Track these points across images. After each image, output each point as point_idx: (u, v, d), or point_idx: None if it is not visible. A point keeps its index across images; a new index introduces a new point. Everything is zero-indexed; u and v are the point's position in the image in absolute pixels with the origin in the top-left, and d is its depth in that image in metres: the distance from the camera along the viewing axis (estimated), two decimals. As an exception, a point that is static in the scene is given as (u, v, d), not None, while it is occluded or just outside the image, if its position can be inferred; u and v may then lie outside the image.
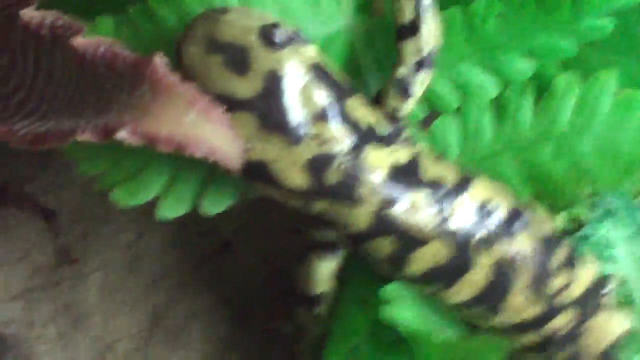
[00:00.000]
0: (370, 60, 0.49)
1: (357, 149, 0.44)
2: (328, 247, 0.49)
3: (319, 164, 0.43)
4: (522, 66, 0.49)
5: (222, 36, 0.42)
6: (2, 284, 0.56)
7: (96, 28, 0.47)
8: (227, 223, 0.57)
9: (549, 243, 0.48)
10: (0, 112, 0.45)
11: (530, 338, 0.49)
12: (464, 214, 0.46)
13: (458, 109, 0.50)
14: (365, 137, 0.45)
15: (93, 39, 0.42)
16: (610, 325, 0.50)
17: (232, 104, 0.42)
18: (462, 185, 0.46)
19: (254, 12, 0.43)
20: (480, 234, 0.46)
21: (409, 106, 0.47)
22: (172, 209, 0.48)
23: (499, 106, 0.50)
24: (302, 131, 0.43)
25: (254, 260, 0.57)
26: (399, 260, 0.46)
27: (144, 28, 0.47)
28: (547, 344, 0.49)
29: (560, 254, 0.48)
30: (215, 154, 0.41)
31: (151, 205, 0.47)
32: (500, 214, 0.47)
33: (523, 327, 0.48)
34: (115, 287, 0.57)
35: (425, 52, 0.46)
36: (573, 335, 0.49)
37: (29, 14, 0.44)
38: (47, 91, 0.45)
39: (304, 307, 0.52)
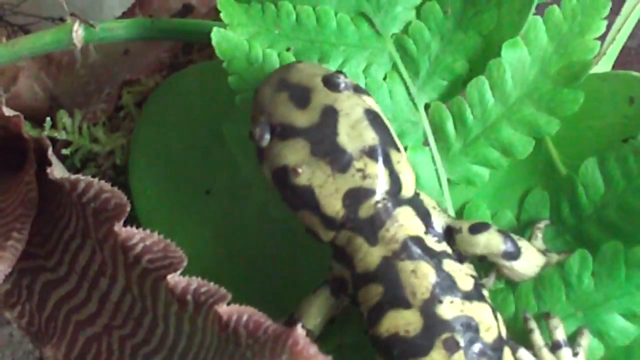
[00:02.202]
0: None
1: (393, 198, 0.47)
2: (338, 286, 0.49)
3: (357, 196, 0.46)
4: (625, 328, 0.49)
5: (291, 78, 0.47)
6: None
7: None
8: None
9: None
10: (140, 371, 0.47)
11: None
12: (454, 310, 0.46)
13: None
14: (403, 200, 0.47)
15: (237, 307, 0.44)
16: None
17: (290, 131, 0.46)
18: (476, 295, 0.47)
19: (321, 65, 0.49)
20: (457, 334, 0.45)
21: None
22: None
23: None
24: (348, 162, 0.46)
25: None
26: (377, 313, 0.46)
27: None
28: None
29: None
30: None
31: None
32: (487, 339, 0.46)
33: None
34: None
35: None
36: None
37: (175, 279, 0.46)
38: (187, 354, 0.46)
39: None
